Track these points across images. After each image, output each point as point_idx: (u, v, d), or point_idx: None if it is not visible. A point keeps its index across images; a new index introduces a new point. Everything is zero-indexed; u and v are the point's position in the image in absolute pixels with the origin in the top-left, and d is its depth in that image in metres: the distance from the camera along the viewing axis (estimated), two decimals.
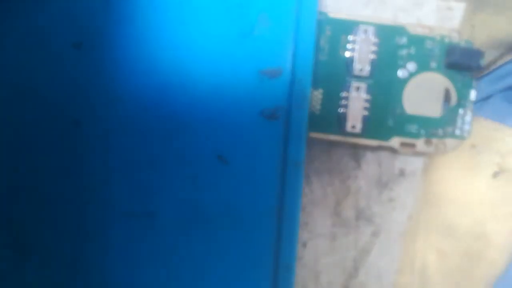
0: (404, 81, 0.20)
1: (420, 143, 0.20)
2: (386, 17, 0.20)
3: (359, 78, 0.20)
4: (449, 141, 0.20)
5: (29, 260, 0.18)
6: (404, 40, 0.20)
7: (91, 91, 0.18)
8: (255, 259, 0.18)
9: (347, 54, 0.20)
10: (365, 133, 0.20)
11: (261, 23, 0.18)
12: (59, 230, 0.18)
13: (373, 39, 0.20)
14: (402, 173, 0.20)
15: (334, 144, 0.21)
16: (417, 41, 0.20)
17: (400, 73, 0.20)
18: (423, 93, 0.20)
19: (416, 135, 0.20)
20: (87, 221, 0.18)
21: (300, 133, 0.18)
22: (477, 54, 0.20)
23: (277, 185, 0.18)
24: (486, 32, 0.20)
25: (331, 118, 0.20)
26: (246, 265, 0.18)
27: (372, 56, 0.20)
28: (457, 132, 0.20)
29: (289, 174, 0.18)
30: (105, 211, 0.18)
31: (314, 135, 0.20)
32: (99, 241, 0.18)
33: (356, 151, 0.21)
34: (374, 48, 0.20)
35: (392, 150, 0.20)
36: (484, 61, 0.20)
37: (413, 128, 0.20)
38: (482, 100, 0.20)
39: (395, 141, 0.20)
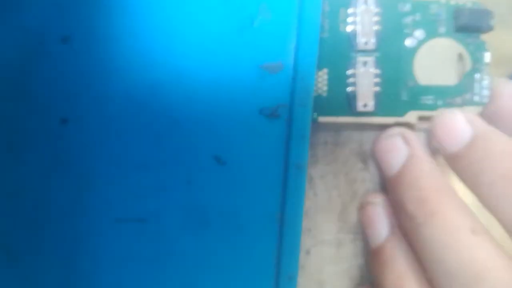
0: (413, 50, 0.18)
1: None
2: None
3: (365, 52, 0.18)
4: (469, 109, 0.18)
5: (16, 266, 0.17)
6: (407, 7, 0.19)
7: (80, 88, 0.16)
8: (255, 267, 0.17)
9: (349, 28, 0.18)
10: (378, 111, 0.18)
11: (261, 14, 0.17)
12: (47, 234, 0.17)
13: (374, 9, 0.18)
14: None
15: (340, 144, 0.20)
16: (421, 6, 0.19)
17: (408, 42, 0.18)
18: (435, 61, 0.18)
19: (433, 107, 0.18)
20: (76, 226, 0.17)
21: (302, 133, 0.17)
22: (486, 13, 0.18)
23: (278, 189, 0.17)
24: (492, 49, 0.19)
25: (340, 99, 0.18)
26: (245, 274, 0.17)
27: (376, 27, 0.18)
28: (476, 98, 0.18)
29: (291, 177, 0.17)
30: (95, 216, 0.17)
31: (323, 119, 0.18)
32: (89, 247, 0.17)
33: (363, 150, 0.20)
34: (376, 18, 0.18)
35: (411, 126, 0.19)
36: (494, 21, 0.18)
37: (429, 99, 0.18)
38: None
39: (411, 116, 0.18)
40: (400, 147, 0.18)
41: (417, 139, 0.18)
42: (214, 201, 0.17)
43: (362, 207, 0.19)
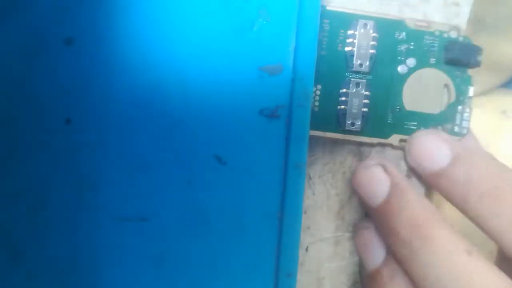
0: (404, 77, 0.19)
1: None
2: (391, 12, 0.20)
3: (358, 73, 0.19)
4: None
5: (19, 265, 0.17)
6: (403, 35, 0.19)
7: (83, 88, 0.17)
8: (254, 265, 0.17)
9: (347, 48, 0.19)
10: (364, 131, 0.19)
11: (261, 17, 0.17)
12: (50, 233, 0.17)
13: (372, 33, 0.19)
14: (409, 174, 0.20)
15: (338, 144, 0.20)
16: (416, 36, 0.19)
17: (400, 68, 0.19)
18: (422, 90, 0.20)
19: None
20: (79, 225, 0.17)
21: (302, 133, 0.17)
22: (475, 50, 0.19)
23: (277, 188, 0.17)
24: (486, 55, 0.20)
25: (330, 115, 0.19)
26: (245, 272, 0.17)
27: (372, 51, 0.19)
28: (456, 129, 0.20)
29: (290, 176, 0.17)
30: (97, 215, 0.17)
31: (313, 133, 0.19)
32: (91, 246, 0.17)
33: (361, 151, 0.20)
34: (373, 43, 0.19)
35: (396, 147, 0.20)
36: (481, 58, 0.20)
37: (412, 125, 0.20)
38: None
39: (394, 139, 0.20)
40: (381, 177, 0.18)
41: (395, 168, 0.19)
42: (215, 200, 0.17)
43: (356, 232, 0.20)
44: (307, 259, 0.20)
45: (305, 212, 0.20)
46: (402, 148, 0.20)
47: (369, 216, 0.20)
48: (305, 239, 0.20)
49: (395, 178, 0.18)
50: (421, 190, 0.20)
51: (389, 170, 0.19)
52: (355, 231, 0.20)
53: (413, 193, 0.18)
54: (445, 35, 0.20)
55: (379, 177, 0.18)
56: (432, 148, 0.18)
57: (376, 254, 0.19)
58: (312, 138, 0.19)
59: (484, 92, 0.23)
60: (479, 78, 0.24)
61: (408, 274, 0.18)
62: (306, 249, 0.20)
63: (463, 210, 0.18)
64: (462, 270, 0.16)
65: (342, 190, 0.20)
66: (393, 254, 0.18)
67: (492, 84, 0.22)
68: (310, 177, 0.20)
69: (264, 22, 0.17)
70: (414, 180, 0.20)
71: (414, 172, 0.19)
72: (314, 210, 0.20)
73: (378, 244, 0.19)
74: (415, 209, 0.17)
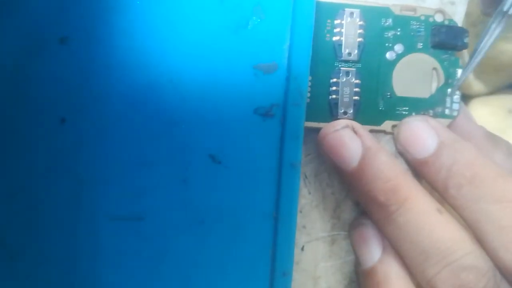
0: (393, 63, 0.20)
1: None
2: None
3: (347, 62, 0.19)
4: (440, 122, 0.20)
5: (16, 264, 0.17)
6: (389, 21, 0.20)
7: (78, 87, 0.17)
8: (250, 264, 0.17)
9: (334, 38, 0.19)
10: (356, 119, 0.19)
11: (256, 15, 0.17)
12: (45, 233, 0.17)
13: (359, 22, 0.19)
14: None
15: None
16: (402, 22, 0.20)
17: (388, 55, 0.20)
18: (411, 75, 0.20)
19: None
20: (75, 224, 0.17)
21: (296, 132, 0.17)
22: (461, 32, 0.20)
23: (272, 187, 0.17)
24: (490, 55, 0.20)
25: (322, 106, 0.19)
26: (241, 271, 0.17)
27: (360, 39, 0.19)
28: (447, 111, 0.20)
29: (285, 175, 0.17)
30: (92, 214, 0.17)
31: (306, 124, 0.19)
32: (87, 245, 0.17)
33: None
34: (360, 31, 0.19)
35: (389, 133, 0.20)
36: (468, 39, 0.20)
37: (404, 110, 0.20)
38: None
39: (387, 125, 0.20)
40: (353, 140, 0.18)
41: (364, 128, 0.19)
42: (210, 199, 0.17)
43: (352, 228, 0.20)
44: (303, 258, 0.20)
45: (300, 211, 0.20)
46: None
47: (365, 213, 0.20)
48: (301, 238, 0.20)
49: (366, 140, 0.18)
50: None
51: (359, 132, 0.19)
52: (351, 227, 0.20)
53: (385, 154, 0.18)
54: (431, 19, 0.20)
55: (351, 140, 0.18)
56: (419, 136, 0.19)
57: (373, 251, 0.19)
58: (308, 137, 0.19)
59: (491, 92, 0.24)
60: (487, 78, 0.24)
61: (383, 234, 0.18)
62: (302, 248, 0.20)
63: (445, 197, 0.18)
64: (436, 227, 0.17)
65: (338, 189, 0.20)
66: (369, 216, 0.19)
67: (499, 84, 0.22)
68: (306, 176, 0.20)
69: (259, 20, 0.17)
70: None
71: (403, 157, 0.20)
72: (310, 209, 0.20)
73: (375, 241, 0.19)
74: (389, 172, 0.18)
